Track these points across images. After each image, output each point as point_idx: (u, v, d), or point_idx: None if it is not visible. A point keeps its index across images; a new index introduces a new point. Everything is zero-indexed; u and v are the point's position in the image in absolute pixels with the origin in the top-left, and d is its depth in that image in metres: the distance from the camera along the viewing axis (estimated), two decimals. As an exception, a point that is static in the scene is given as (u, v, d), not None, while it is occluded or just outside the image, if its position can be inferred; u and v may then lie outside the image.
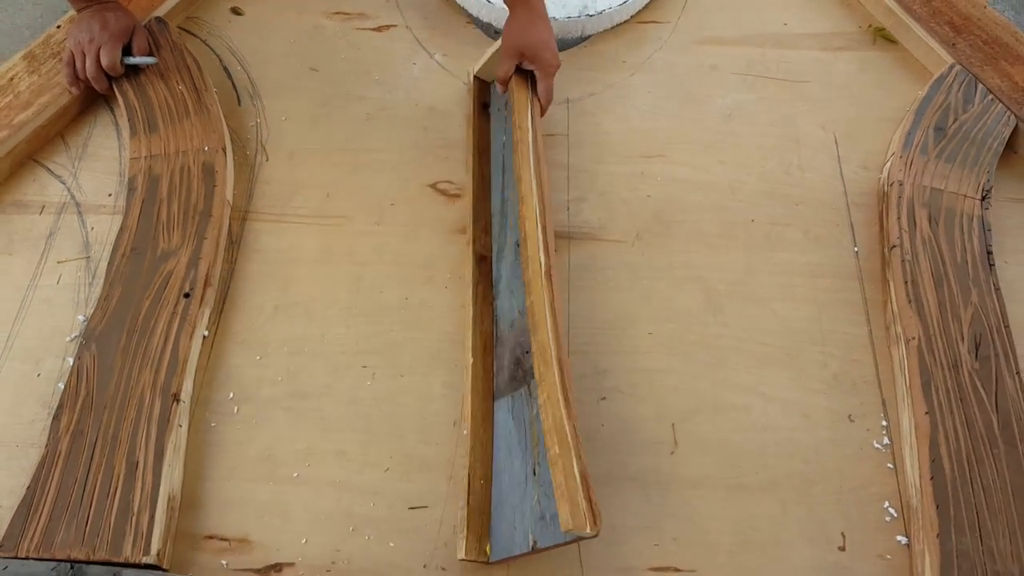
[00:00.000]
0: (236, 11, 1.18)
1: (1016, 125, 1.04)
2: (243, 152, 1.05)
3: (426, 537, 0.77)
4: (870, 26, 1.21)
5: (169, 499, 0.77)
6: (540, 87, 0.98)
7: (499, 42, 1.02)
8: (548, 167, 0.96)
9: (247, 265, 0.95)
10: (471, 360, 0.85)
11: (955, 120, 1.04)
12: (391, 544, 0.78)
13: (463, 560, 0.73)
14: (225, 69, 1.12)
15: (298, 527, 0.78)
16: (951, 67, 1.09)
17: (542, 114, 1.00)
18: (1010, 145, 1.05)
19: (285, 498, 0.80)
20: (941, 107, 1.05)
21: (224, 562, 0.76)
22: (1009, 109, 1.04)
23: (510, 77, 0.99)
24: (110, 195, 1.01)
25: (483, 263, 0.93)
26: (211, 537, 0.78)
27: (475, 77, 1.09)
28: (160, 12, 1.13)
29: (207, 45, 1.14)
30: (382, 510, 0.79)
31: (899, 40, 1.19)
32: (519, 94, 0.97)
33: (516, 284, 0.85)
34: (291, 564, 0.77)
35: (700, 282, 0.95)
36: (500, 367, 0.84)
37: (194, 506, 0.79)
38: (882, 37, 1.20)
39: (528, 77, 1.00)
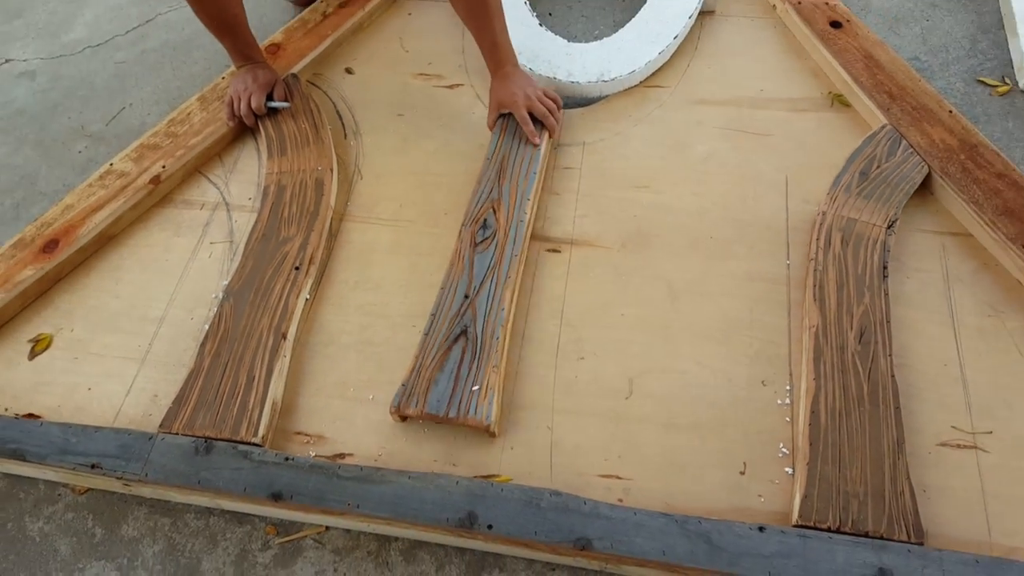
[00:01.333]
0: (349, 71, 1.45)
1: (928, 172, 1.19)
2: (345, 172, 1.31)
3: (447, 442, 0.99)
4: (830, 93, 1.37)
5: (273, 403, 1.02)
6: (520, 121, 1.24)
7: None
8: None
9: (340, 252, 1.21)
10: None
11: (878, 167, 1.20)
12: (419, 447, 1.00)
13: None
14: (338, 112, 1.40)
15: (359, 430, 1.02)
16: (882, 126, 1.25)
17: (551, 135, 1.26)
18: (926, 187, 1.20)
19: (352, 411, 1.04)
20: (868, 156, 1.21)
21: (309, 452, 1.00)
22: (924, 160, 1.20)
23: (494, 122, 1.27)
24: (250, 199, 1.29)
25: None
26: (299, 433, 1.03)
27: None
28: (294, 70, 1.41)
29: (327, 95, 1.42)
30: (415, 424, 1.02)
31: (852, 104, 1.34)
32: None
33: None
34: (351, 454, 1.00)
35: (665, 280, 1.15)
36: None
37: (290, 411, 1.04)
38: (839, 101, 1.36)
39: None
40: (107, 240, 1.22)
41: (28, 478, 1.05)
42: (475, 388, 0.96)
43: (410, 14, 1.55)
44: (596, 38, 1.59)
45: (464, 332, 1.02)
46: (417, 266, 1.19)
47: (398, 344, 1.10)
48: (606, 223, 1.22)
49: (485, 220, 1.13)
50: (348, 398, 1.05)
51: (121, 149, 1.38)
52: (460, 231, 1.13)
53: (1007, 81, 1.43)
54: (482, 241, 1.11)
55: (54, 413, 1.04)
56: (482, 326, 1.02)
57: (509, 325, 1.05)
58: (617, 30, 1.57)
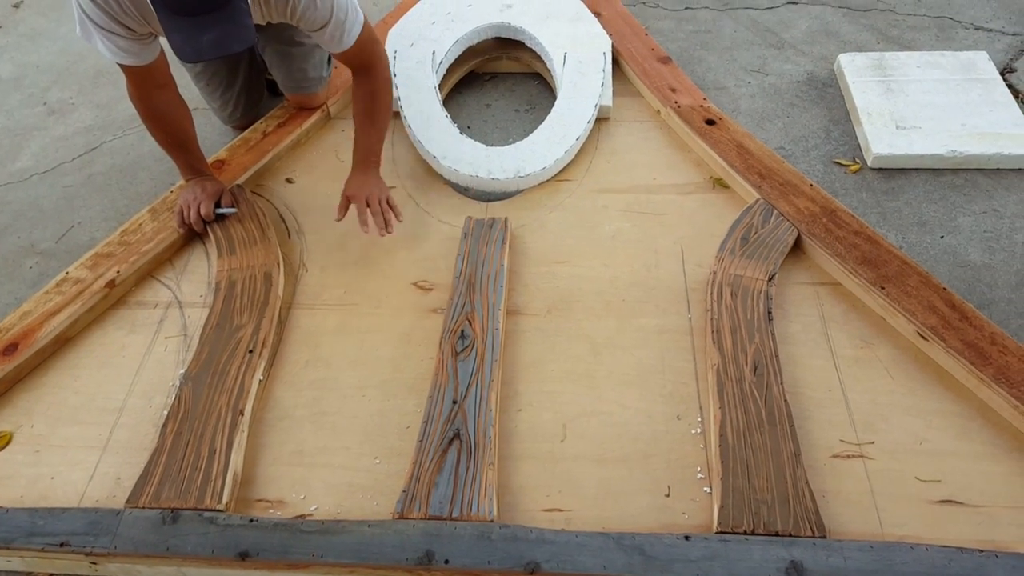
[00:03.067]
0: (289, 181, 1.68)
1: (798, 235, 1.47)
2: (291, 267, 1.50)
3: (397, 496, 1.12)
4: (711, 177, 1.68)
5: (234, 473, 1.13)
6: (359, 210, 1.46)
7: None
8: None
9: (290, 336, 1.37)
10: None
11: (756, 232, 1.48)
12: (376, 503, 1.13)
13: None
14: (281, 217, 1.60)
15: (317, 492, 1.14)
16: (756, 200, 1.55)
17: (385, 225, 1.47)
18: (798, 247, 1.48)
19: (309, 475, 1.16)
20: (746, 225, 1.50)
21: (269, 513, 1.11)
22: (793, 225, 1.49)
23: (344, 208, 1.48)
24: (201, 295, 1.45)
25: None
26: (260, 500, 1.14)
27: None
28: (239, 181, 1.62)
29: (270, 202, 1.63)
30: (371, 482, 1.15)
31: (730, 185, 1.65)
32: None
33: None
34: (310, 514, 1.12)
35: (587, 338, 1.35)
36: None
37: (250, 481, 1.16)
38: (719, 184, 1.67)
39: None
40: (64, 342, 1.34)
41: (-10, 570, 1.10)
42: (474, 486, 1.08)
43: (343, 131, 1.81)
44: (509, 142, 1.88)
45: (457, 435, 1.15)
46: (364, 342, 1.36)
47: (349, 412, 1.24)
48: (531, 294, 1.44)
49: (462, 331, 1.31)
50: (305, 464, 1.17)
51: (71, 262, 1.52)
52: (440, 343, 1.29)
53: (857, 161, 1.79)
54: (462, 350, 1.27)
55: (16, 503, 1.11)
56: (474, 428, 1.16)
57: (498, 425, 1.19)
58: (525, 136, 1.88)
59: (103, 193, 1.74)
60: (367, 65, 1.46)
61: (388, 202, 1.48)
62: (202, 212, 1.47)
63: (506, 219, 1.53)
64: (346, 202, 1.47)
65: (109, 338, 1.35)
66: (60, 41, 2.27)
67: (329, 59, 1.76)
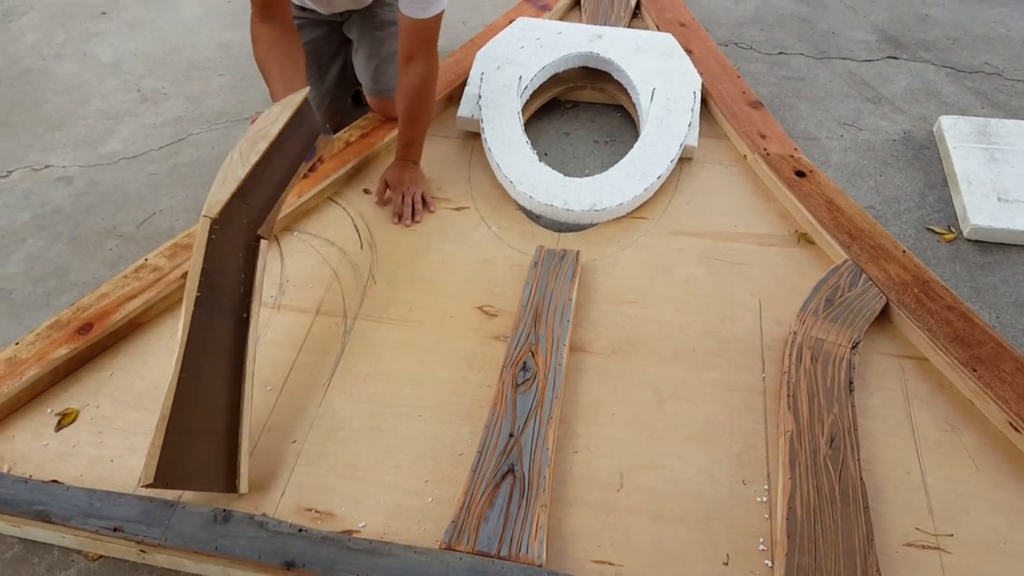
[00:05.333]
0: (366, 191, 1.72)
1: (887, 302, 1.43)
2: (359, 278, 1.53)
3: (444, 523, 1.13)
4: (796, 231, 1.65)
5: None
6: (394, 198, 1.62)
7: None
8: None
9: (353, 346, 1.40)
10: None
11: (841, 295, 1.45)
12: (423, 528, 1.14)
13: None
14: (355, 226, 1.64)
15: (366, 509, 1.15)
16: (844, 261, 1.52)
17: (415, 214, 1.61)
18: (885, 315, 1.44)
19: (360, 491, 1.18)
20: (832, 286, 1.46)
21: (317, 524, 1.13)
22: (882, 292, 1.45)
23: (383, 190, 1.62)
24: (272, 296, 1.49)
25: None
26: (310, 509, 1.15)
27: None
28: (319, 188, 1.67)
29: (345, 211, 1.67)
30: (420, 505, 1.16)
31: (816, 242, 1.62)
32: None
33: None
34: (358, 531, 1.13)
35: (652, 385, 1.34)
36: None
37: (302, 488, 1.18)
38: (804, 240, 1.64)
39: None
40: (136, 327, 1.39)
41: (43, 544, 1.14)
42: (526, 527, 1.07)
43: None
44: (586, 175, 1.89)
45: (511, 470, 1.15)
46: (424, 362, 1.37)
47: (405, 431, 1.25)
48: (598, 332, 1.43)
49: (525, 363, 1.31)
50: (356, 479, 1.19)
51: (150, 248, 1.59)
52: (501, 372, 1.30)
53: (952, 230, 1.74)
54: (523, 383, 1.28)
55: (76, 481, 1.16)
56: (528, 465, 1.15)
57: (553, 465, 1.18)
58: (604, 170, 1.88)
59: (185, 184, 1.81)
60: (425, 51, 1.53)
61: (423, 197, 1.63)
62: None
63: (578, 252, 1.53)
64: (383, 187, 1.62)
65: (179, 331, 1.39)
66: (158, 31, 2.39)
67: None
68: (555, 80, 2.00)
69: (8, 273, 1.58)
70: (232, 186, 1.21)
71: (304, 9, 1.73)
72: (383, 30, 1.73)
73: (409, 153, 1.64)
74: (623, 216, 1.67)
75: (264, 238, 1.27)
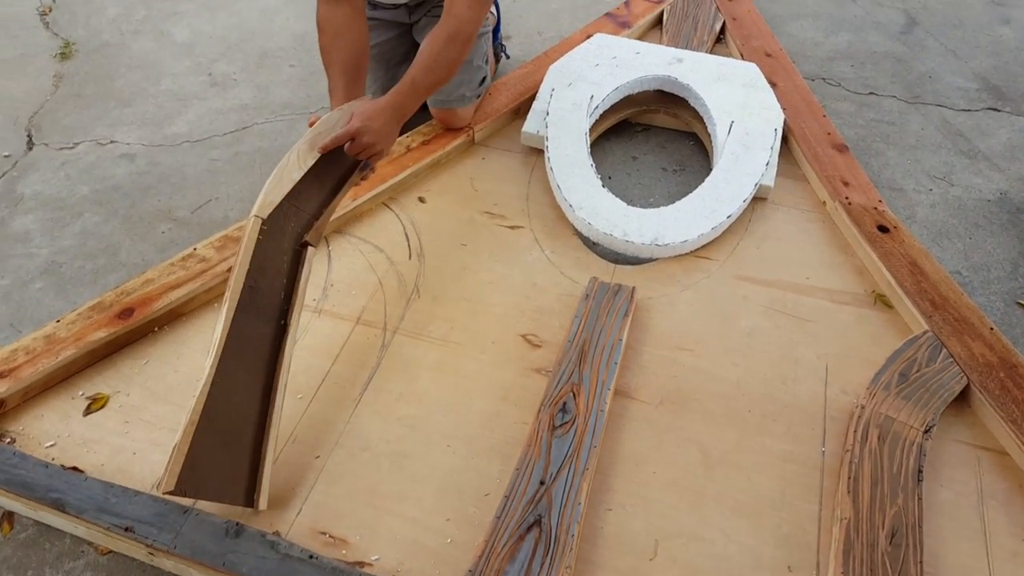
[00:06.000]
0: (421, 200, 1.68)
1: (967, 384, 1.31)
2: (404, 289, 1.49)
3: (460, 570, 1.07)
4: (873, 292, 1.54)
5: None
6: (343, 142, 1.25)
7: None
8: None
9: (389, 362, 1.35)
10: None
11: (918, 371, 1.33)
12: (438, 571, 1.08)
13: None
14: (406, 234, 1.60)
15: (382, 541, 1.10)
16: (924, 332, 1.40)
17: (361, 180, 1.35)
18: (964, 398, 1.32)
19: (377, 520, 1.13)
20: (908, 359, 1.35)
21: (329, 550, 1.08)
22: (963, 372, 1.33)
23: (328, 147, 1.24)
24: (315, 299, 1.45)
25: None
26: (323, 532, 1.11)
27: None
28: (375, 192, 1.64)
29: (398, 217, 1.63)
30: (438, 545, 1.10)
31: (894, 306, 1.50)
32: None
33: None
34: (370, 564, 1.08)
35: (699, 445, 1.26)
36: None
37: (318, 508, 1.14)
38: (882, 301, 1.53)
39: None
40: (177, 317, 1.38)
41: (56, 530, 1.13)
42: None
43: (483, 158, 1.80)
44: (650, 204, 1.81)
45: (538, 522, 1.07)
46: (460, 388, 1.32)
47: (431, 461, 1.20)
48: (646, 377, 1.35)
49: (565, 404, 1.24)
50: (375, 506, 1.14)
51: (202, 236, 1.58)
52: (539, 410, 1.23)
53: (1047, 307, 1.59)
54: (561, 425, 1.21)
55: (96, 471, 1.14)
56: (557, 519, 1.08)
57: (583, 522, 1.10)
58: (670, 200, 1.80)
59: (245, 173, 1.80)
60: (468, 6, 1.38)
61: (369, 158, 1.33)
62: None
63: (633, 289, 1.45)
64: (347, 117, 1.30)
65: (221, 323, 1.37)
66: (236, 16, 2.41)
67: (482, 81, 1.76)
68: (628, 101, 1.93)
69: (62, 246, 1.59)
70: (286, 187, 1.18)
71: (375, 8, 1.70)
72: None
73: (401, 98, 1.34)
74: (686, 254, 1.59)
75: (311, 245, 1.24)
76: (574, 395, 1.27)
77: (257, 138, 1.92)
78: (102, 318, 1.31)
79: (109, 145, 1.90)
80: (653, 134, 1.97)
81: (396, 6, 1.72)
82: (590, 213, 1.59)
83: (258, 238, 1.13)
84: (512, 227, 1.63)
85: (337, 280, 1.49)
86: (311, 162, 1.24)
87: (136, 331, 1.32)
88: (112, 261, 1.57)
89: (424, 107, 1.92)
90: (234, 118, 1.99)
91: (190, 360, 1.32)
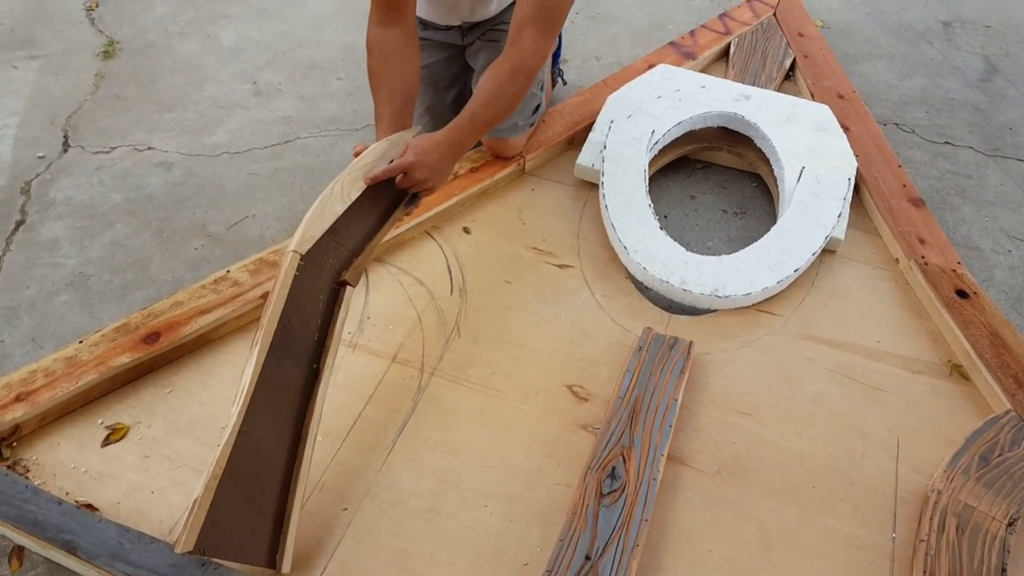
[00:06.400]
0: (466, 230, 1.62)
1: (1058, 476, 1.22)
2: (444, 327, 1.43)
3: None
4: (950, 362, 1.44)
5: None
6: (394, 175, 1.21)
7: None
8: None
9: (425, 407, 1.29)
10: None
11: (1000, 455, 1.24)
12: (470, 645, 1.01)
13: None
14: (448, 267, 1.54)
15: (409, 607, 1.03)
16: (1007, 412, 1.31)
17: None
18: (1052, 490, 1.22)
19: (405, 583, 1.06)
20: (990, 441, 1.26)
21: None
22: (1052, 460, 1.23)
23: (378, 179, 1.19)
24: (350, 333, 1.40)
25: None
26: (347, 594, 1.05)
27: None
28: (419, 220, 1.59)
29: (441, 248, 1.58)
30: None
31: (972, 379, 1.41)
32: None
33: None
34: (396, 634, 1.01)
35: (758, 522, 1.17)
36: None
37: (347, 567, 1.07)
38: (959, 373, 1.43)
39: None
40: (205, 343, 1.33)
41: (68, 571, 1.08)
42: None
43: (533, 190, 1.74)
44: (708, 248, 1.74)
45: None
46: (499, 440, 1.25)
47: (466, 521, 1.13)
48: (703, 443, 1.28)
49: (614, 469, 1.17)
50: (405, 569, 1.07)
51: (236, 255, 1.54)
52: (585, 475, 1.16)
53: None
54: (609, 493, 1.14)
55: (112, 509, 1.09)
56: None
57: None
58: (729, 245, 1.72)
59: (284, 190, 1.77)
60: (540, 28, 1.31)
61: (418, 195, 1.29)
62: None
63: (691, 344, 1.38)
64: (403, 151, 1.25)
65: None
66: (284, 23, 2.39)
67: (536, 109, 1.70)
68: (689, 137, 1.87)
69: (91, 256, 1.56)
70: (327, 222, 1.13)
71: (426, 28, 1.66)
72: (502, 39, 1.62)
73: (459, 133, 1.29)
74: (747, 307, 1.51)
75: (350, 284, 1.18)
76: (624, 459, 1.20)
77: (299, 153, 1.89)
78: (127, 341, 1.27)
79: (146, 152, 1.88)
80: (714, 172, 1.90)
81: (449, 28, 1.68)
82: (646, 257, 1.52)
83: (295, 274, 1.08)
84: (561, 266, 1.57)
85: (374, 313, 1.44)
86: (355, 195, 1.19)
87: (161, 357, 1.28)
88: (141, 276, 1.54)
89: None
90: (276, 130, 1.96)
91: (216, 392, 1.27)
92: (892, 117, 2.16)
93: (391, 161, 1.26)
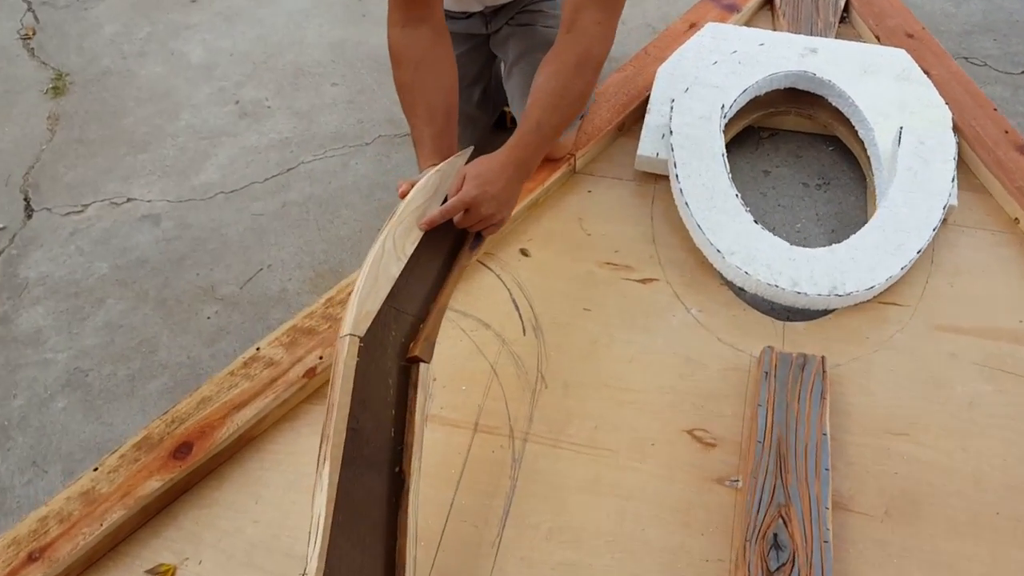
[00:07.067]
0: (524, 253, 1.41)
1: None
2: (526, 377, 1.22)
3: None
4: (1111, 334, 1.27)
5: None
6: (453, 214, 1.02)
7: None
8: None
9: (528, 484, 1.09)
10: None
11: None
12: None
13: None
14: (513, 301, 1.33)
15: None
16: None
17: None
18: None
19: None
20: None
21: None
22: None
23: (435, 222, 1.01)
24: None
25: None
26: None
27: None
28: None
29: (500, 279, 1.37)
30: None
31: None
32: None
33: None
34: None
35: (950, 570, 0.99)
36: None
37: None
38: (1124, 346, 1.25)
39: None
40: (246, 443, 1.12)
41: None
42: None
43: (590, 191, 1.53)
44: (798, 233, 1.55)
45: None
46: (625, 515, 1.06)
47: (615, 635, 0.94)
48: (862, 479, 1.10)
49: (776, 537, 0.99)
50: None
51: (258, 318, 1.33)
52: (743, 549, 0.98)
53: None
54: (778, 569, 0.96)
55: None
56: None
57: None
58: (821, 224, 1.53)
59: (298, 231, 1.54)
60: (601, 10, 1.12)
61: (482, 233, 1.10)
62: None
63: (823, 360, 1.19)
64: (459, 183, 1.04)
65: (303, 445, 1.12)
66: (259, 26, 2.13)
67: (587, 99, 1.48)
68: (753, 104, 1.66)
69: (84, 346, 1.34)
70: (384, 289, 0.93)
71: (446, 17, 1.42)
72: (545, 51, 1.40)
73: (524, 151, 1.09)
74: (866, 301, 1.32)
75: (423, 360, 0.97)
76: (784, 521, 1.01)
77: (306, 182, 1.66)
78: (153, 460, 1.06)
79: (126, 204, 1.64)
80: (782, 140, 1.70)
81: (469, 15, 1.46)
82: (746, 259, 1.32)
83: (356, 362, 0.87)
84: (643, 280, 1.37)
85: (440, 372, 1.23)
86: (411, 247, 0.98)
87: (197, 472, 1.07)
88: (150, 362, 1.31)
89: (505, 125, 1.67)
90: (275, 157, 1.72)
91: (271, 503, 1.07)
92: (958, 51, 1.97)
93: (446, 198, 1.04)
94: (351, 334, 0.89)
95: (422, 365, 0.98)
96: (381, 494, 0.90)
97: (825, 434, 1.10)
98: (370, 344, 0.91)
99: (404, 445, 0.94)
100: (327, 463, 0.83)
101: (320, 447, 0.85)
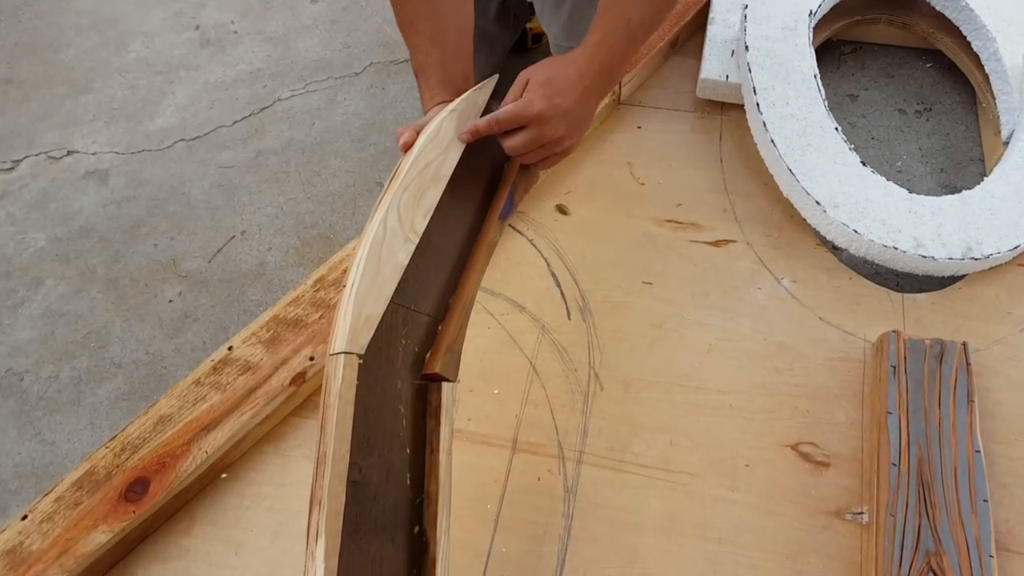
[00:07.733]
0: (561, 210, 1.15)
1: None
2: (574, 375, 0.98)
3: None
4: None
5: None
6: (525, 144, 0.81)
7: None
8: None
9: (586, 516, 0.86)
10: None
11: None
12: None
13: None
14: (552, 274, 1.08)
15: None
16: None
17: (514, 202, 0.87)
18: None
19: None
20: None
21: None
22: None
23: (481, 131, 0.79)
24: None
25: None
26: None
27: None
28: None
29: (534, 246, 1.11)
30: None
31: None
32: None
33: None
34: None
35: None
36: None
37: None
38: None
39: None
40: (218, 474, 0.89)
41: None
42: None
43: (640, 128, 1.26)
44: (899, 173, 1.29)
45: None
46: (717, 560, 0.83)
47: None
48: (1020, 507, 0.86)
49: None
50: None
51: (230, 299, 1.07)
52: None
53: None
54: None
55: None
56: None
57: None
58: (927, 162, 1.27)
59: (277, 186, 1.28)
60: None
61: (554, 155, 0.86)
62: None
63: (965, 346, 0.94)
64: (521, 87, 0.82)
65: (293, 473, 0.89)
66: (219, -65, 1.80)
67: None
68: (835, 11, 1.37)
69: (18, 341, 1.09)
70: (390, 283, 0.67)
71: None
72: None
73: (608, 53, 0.84)
74: (1001, 264, 1.07)
75: (447, 379, 0.73)
76: (934, 572, 0.78)
77: (284, 123, 1.38)
78: (98, 503, 0.82)
79: (66, 158, 1.36)
80: (869, 56, 1.43)
81: None
82: (853, 214, 1.05)
83: (355, 387, 0.63)
84: (716, 243, 1.11)
85: (465, 371, 0.97)
86: (423, 222, 0.72)
87: (158, 516, 0.84)
88: (98, 361, 1.07)
89: (526, 46, 1.39)
90: (244, 94, 1.44)
91: (255, 551, 0.84)
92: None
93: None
94: (347, 351, 0.64)
95: (444, 385, 0.73)
96: (397, 567, 0.67)
97: (978, 451, 0.86)
98: (373, 362, 0.67)
99: (425, 497, 0.70)
100: (321, 539, 0.60)
101: (310, 514, 0.61)
